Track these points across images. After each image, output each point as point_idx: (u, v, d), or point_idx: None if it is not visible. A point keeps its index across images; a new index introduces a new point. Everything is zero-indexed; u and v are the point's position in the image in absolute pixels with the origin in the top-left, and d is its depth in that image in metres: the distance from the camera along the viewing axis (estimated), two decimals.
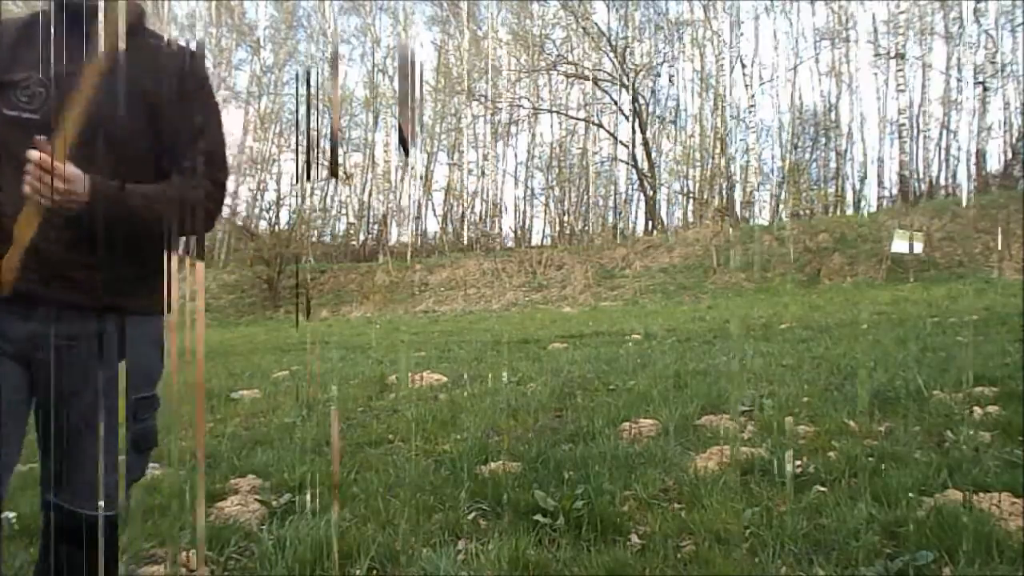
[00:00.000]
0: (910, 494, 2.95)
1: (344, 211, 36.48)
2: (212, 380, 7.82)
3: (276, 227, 27.21)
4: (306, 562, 2.59)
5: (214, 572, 2.72)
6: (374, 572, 2.62)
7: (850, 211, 29.26)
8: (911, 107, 29.45)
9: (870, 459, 3.48)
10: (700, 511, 2.96)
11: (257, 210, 34.16)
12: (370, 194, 36.41)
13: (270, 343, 13.85)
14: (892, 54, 29.48)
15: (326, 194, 36.35)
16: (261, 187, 34.58)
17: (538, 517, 2.92)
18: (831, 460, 3.51)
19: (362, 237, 35.15)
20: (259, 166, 34.87)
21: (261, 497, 3.41)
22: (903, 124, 29.18)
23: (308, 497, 3.00)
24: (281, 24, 36.18)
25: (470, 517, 3.11)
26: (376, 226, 35.38)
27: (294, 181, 35.99)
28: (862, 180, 31.46)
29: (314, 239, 32.74)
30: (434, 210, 36.05)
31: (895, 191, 29.15)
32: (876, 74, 31.76)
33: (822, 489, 3.15)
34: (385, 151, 36.48)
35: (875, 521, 2.74)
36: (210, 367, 9.55)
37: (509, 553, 2.64)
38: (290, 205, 32.91)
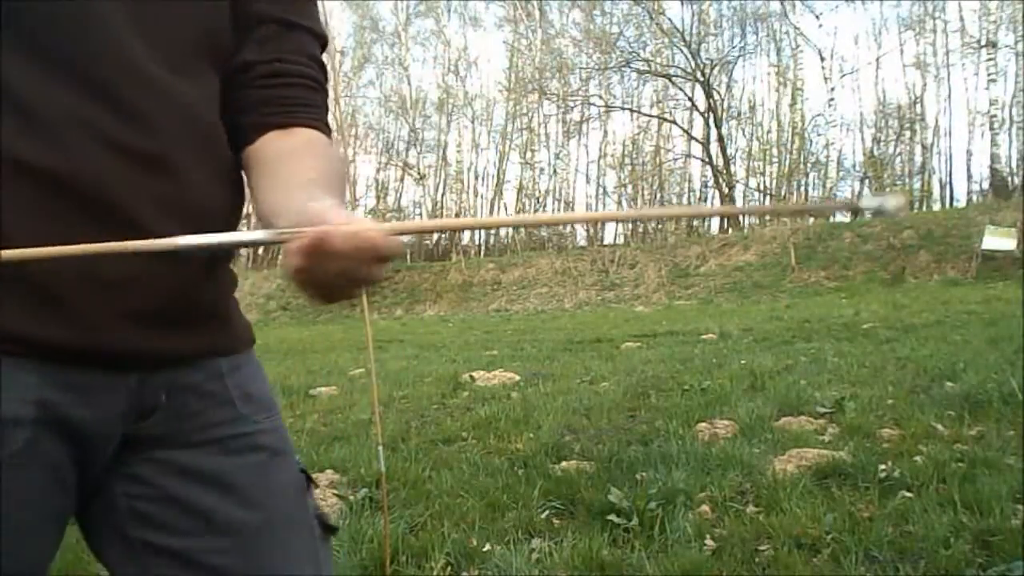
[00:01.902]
0: (1004, 502, 2.82)
1: (418, 211, 37.05)
2: (291, 377, 8.04)
3: None
4: (380, 557, 2.63)
5: None
6: (449, 569, 2.65)
7: (937, 206, 28.19)
8: (1003, 97, 28.18)
9: (960, 464, 3.34)
10: (779, 515, 2.89)
11: None
12: (443, 194, 36.88)
13: (347, 341, 14.14)
14: (982, 42, 28.24)
15: (400, 195, 36.99)
16: None
17: (612, 517, 2.90)
18: (918, 465, 3.38)
19: (435, 236, 35.62)
20: None
21: (338, 492, 3.48)
22: (994, 115, 27.94)
23: (384, 493, 3.05)
24: (360, 28, 36.94)
25: (543, 516, 3.11)
26: None
27: (369, 182, 36.71)
28: (950, 174, 30.23)
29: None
30: (506, 209, 36.23)
31: (986, 185, 27.95)
32: (964, 64, 30.52)
33: (908, 495, 3.04)
34: (458, 151, 36.88)
35: (966, 529, 2.63)
36: (289, 364, 9.82)
37: (582, 552, 2.63)
38: (365, 205, 33.57)
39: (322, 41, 1.01)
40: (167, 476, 0.88)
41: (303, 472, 0.98)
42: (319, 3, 1.03)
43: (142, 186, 0.79)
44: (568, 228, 34.38)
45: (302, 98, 0.95)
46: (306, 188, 0.80)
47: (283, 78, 0.94)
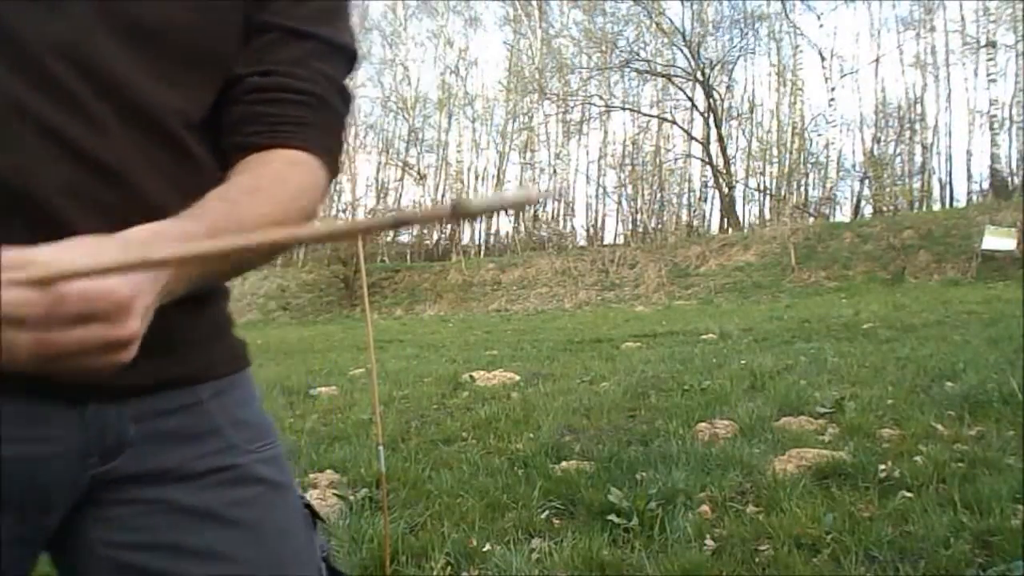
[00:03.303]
0: (1004, 502, 2.82)
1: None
2: (292, 377, 8.04)
3: None
4: (380, 557, 2.63)
5: None
6: (449, 569, 2.65)
7: (937, 206, 28.19)
8: (1003, 97, 28.21)
9: (960, 464, 3.34)
10: (778, 514, 2.89)
11: (334, 211, 35.03)
12: (443, 194, 36.87)
13: (347, 341, 14.15)
14: (982, 42, 28.25)
15: (400, 194, 37.00)
16: (337, 188, 35.44)
17: (612, 517, 2.90)
18: (918, 465, 3.38)
19: (435, 237, 35.66)
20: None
21: (339, 492, 3.49)
22: (994, 115, 27.96)
23: (384, 493, 3.05)
24: (355, 27, 36.97)
25: (543, 516, 3.11)
26: (449, 226, 35.83)
27: (369, 182, 36.71)
28: (950, 174, 30.25)
29: (389, 239, 33.35)
30: (506, 209, 36.19)
31: (986, 185, 27.96)
32: (964, 64, 30.53)
33: (908, 495, 3.04)
34: (458, 151, 36.89)
35: (965, 529, 2.62)
36: (289, 364, 9.82)
37: (582, 552, 2.63)
38: (365, 205, 33.58)
39: (345, 54, 0.87)
40: (154, 517, 0.77)
41: (308, 507, 0.90)
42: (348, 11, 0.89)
43: (89, 194, 0.69)
44: (568, 228, 34.40)
45: (292, 116, 0.81)
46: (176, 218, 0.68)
47: (271, 92, 0.81)
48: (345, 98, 0.87)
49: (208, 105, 0.80)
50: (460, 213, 0.46)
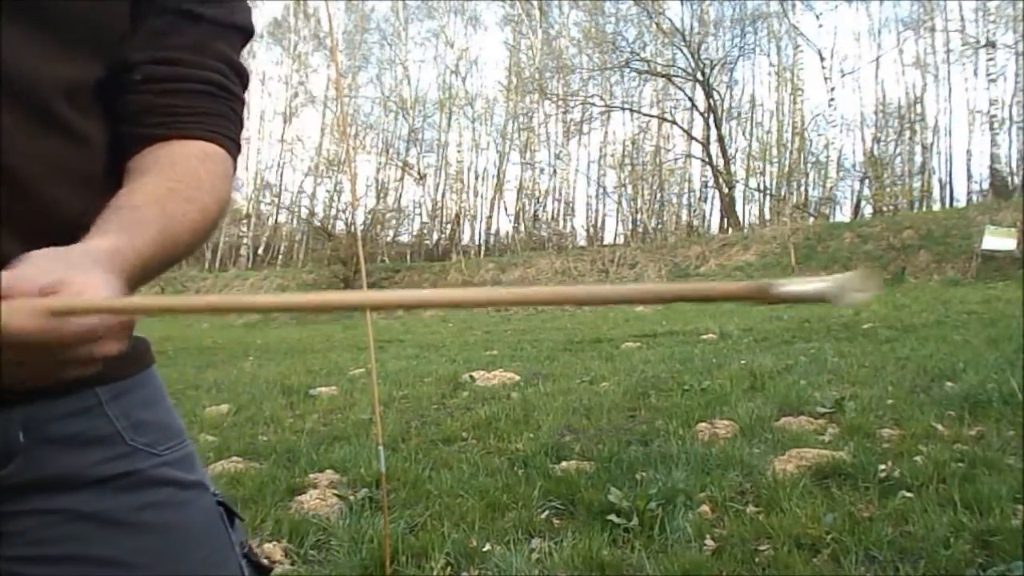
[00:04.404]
0: (1004, 502, 2.82)
1: (418, 211, 37.05)
2: (291, 377, 8.03)
3: (352, 227, 27.78)
4: (380, 557, 2.63)
5: (294, 564, 2.79)
6: (449, 569, 2.65)
7: (937, 206, 28.18)
8: (1003, 97, 28.20)
9: (960, 464, 3.34)
10: (778, 515, 2.89)
11: (334, 211, 35.05)
12: (443, 194, 36.89)
13: (347, 341, 14.14)
14: (982, 43, 28.24)
15: (400, 194, 36.99)
16: (338, 188, 35.46)
17: (612, 517, 2.90)
18: (918, 465, 3.38)
19: (435, 236, 35.67)
20: (336, 168, 35.73)
21: (339, 492, 3.49)
22: (994, 115, 27.94)
23: (383, 493, 3.05)
24: (355, 29, 36.97)
25: (543, 516, 3.12)
26: (449, 225, 35.84)
27: (369, 182, 36.71)
28: (950, 174, 30.26)
29: (389, 239, 33.36)
30: (506, 209, 36.21)
31: (986, 185, 27.94)
32: (964, 64, 30.51)
33: (908, 495, 3.04)
34: (458, 151, 36.87)
35: (966, 529, 2.63)
36: (289, 364, 9.81)
37: (582, 552, 2.63)
38: (366, 205, 33.58)
39: (243, 35, 0.86)
40: (55, 527, 0.73)
41: (222, 504, 0.86)
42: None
43: None
44: (568, 228, 34.40)
45: (194, 107, 0.80)
46: (98, 222, 0.68)
47: (172, 83, 0.79)
48: (243, 78, 0.86)
49: (95, 77, 0.76)
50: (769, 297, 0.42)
